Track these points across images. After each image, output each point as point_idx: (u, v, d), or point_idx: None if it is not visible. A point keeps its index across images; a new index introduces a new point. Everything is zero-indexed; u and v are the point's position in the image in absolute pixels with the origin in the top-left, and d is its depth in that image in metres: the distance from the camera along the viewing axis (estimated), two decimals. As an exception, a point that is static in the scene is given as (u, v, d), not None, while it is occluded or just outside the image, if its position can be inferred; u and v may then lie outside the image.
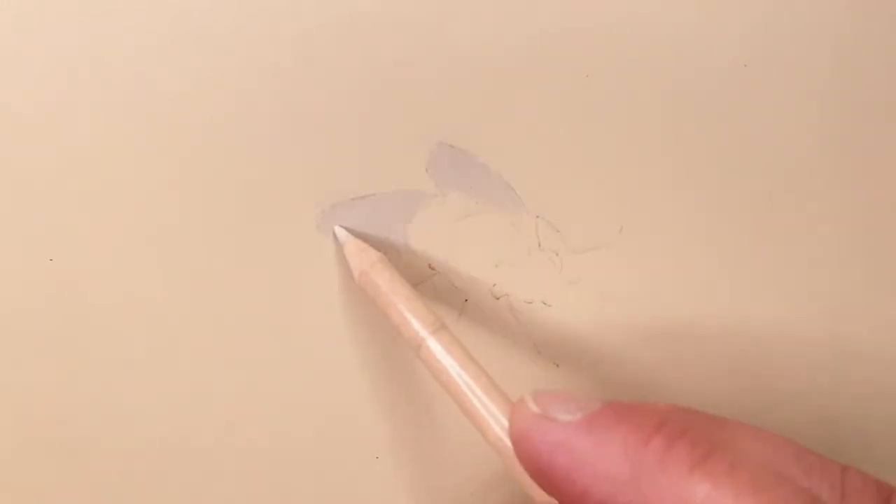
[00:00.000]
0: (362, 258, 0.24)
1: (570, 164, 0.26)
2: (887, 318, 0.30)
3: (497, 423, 0.21)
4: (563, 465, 0.18)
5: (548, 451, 0.18)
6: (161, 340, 0.25)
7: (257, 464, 0.27)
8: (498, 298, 0.27)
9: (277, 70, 0.23)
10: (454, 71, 0.24)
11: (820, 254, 0.29)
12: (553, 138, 0.26)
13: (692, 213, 0.28)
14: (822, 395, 0.31)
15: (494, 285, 0.27)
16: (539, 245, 0.27)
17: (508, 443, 0.20)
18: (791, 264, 0.29)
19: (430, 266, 0.26)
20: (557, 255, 0.27)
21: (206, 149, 0.24)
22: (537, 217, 0.27)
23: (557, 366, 0.28)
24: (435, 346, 0.22)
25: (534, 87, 0.25)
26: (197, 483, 0.27)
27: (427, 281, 0.26)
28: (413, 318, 0.23)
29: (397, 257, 0.26)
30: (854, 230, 0.29)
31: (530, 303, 0.28)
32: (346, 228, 0.25)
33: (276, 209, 0.25)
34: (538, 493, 0.19)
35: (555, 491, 0.18)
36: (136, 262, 0.24)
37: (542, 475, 0.19)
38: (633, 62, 0.26)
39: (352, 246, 0.25)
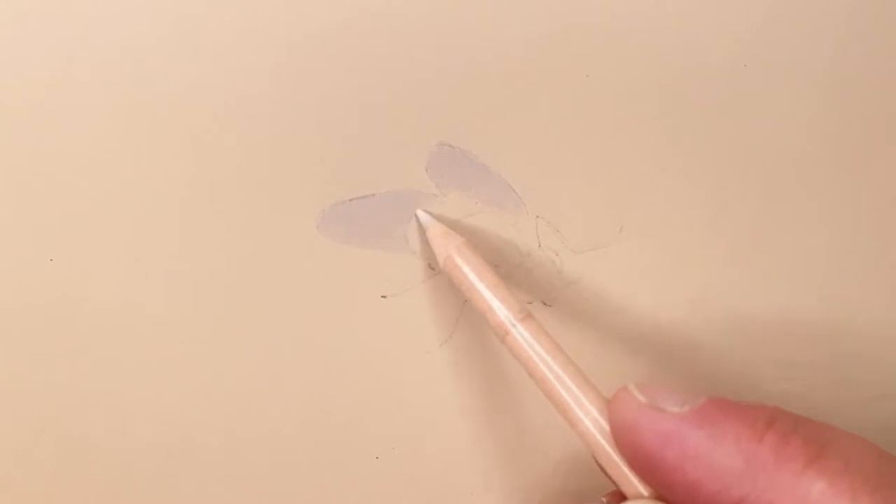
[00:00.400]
0: (447, 242, 0.24)
1: (570, 164, 0.26)
2: (887, 315, 0.30)
3: (587, 414, 0.21)
4: (675, 456, 0.18)
5: (658, 442, 0.18)
6: (161, 341, 0.25)
7: (258, 464, 0.27)
8: (498, 298, 0.27)
9: (277, 70, 0.23)
10: (454, 71, 0.24)
11: (820, 253, 0.29)
12: (553, 138, 0.26)
13: (692, 213, 0.28)
14: (822, 393, 0.31)
15: (494, 285, 0.27)
16: (539, 245, 0.27)
17: (597, 434, 0.20)
18: (790, 264, 0.29)
19: (430, 266, 0.26)
20: (557, 255, 0.27)
21: (205, 149, 0.24)
22: (537, 217, 0.27)
23: (557, 366, 0.28)
24: (523, 334, 0.22)
25: (534, 87, 0.25)
26: (197, 483, 0.27)
27: (427, 281, 0.27)
28: (499, 304, 0.23)
29: (397, 257, 0.26)
30: (854, 229, 0.29)
31: (530, 303, 0.28)
32: (429, 213, 0.25)
33: (277, 209, 0.25)
34: (628, 485, 0.19)
35: (661, 481, 0.18)
36: (136, 262, 0.24)
37: (649, 465, 0.19)
38: (633, 62, 0.26)
39: (436, 230, 0.25)
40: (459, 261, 0.24)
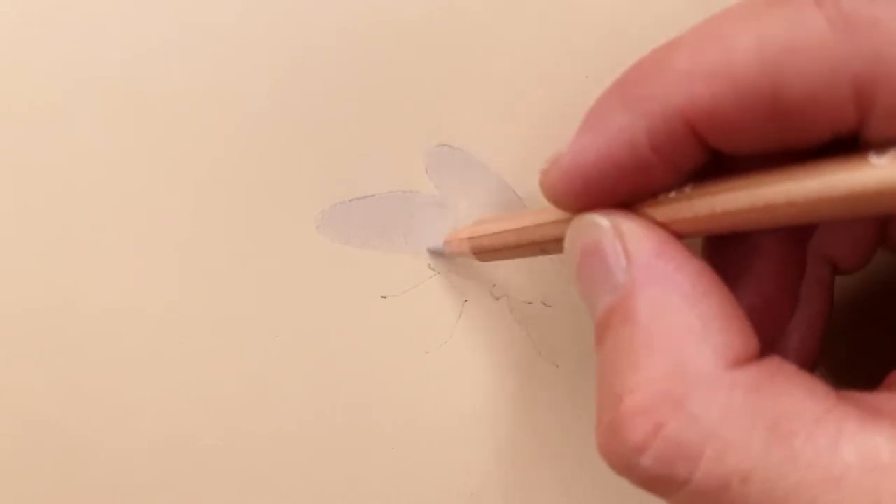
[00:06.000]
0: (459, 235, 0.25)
1: (570, 164, 0.26)
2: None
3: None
4: None
5: None
6: (161, 341, 0.25)
7: (256, 464, 0.27)
8: (498, 299, 0.27)
9: (277, 71, 0.23)
10: (453, 71, 0.25)
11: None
12: (553, 138, 0.26)
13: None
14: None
15: (494, 286, 0.27)
16: (539, 245, 0.27)
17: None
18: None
19: (429, 266, 0.26)
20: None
21: (205, 149, 0.24)
22: (537, 217, 0.27)
23: (557, 366, 0.28)
24: None
25: (533, 87, 0.25)
26: (196, 483, 0.27)
27: (427, 281, 0.26)
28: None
29: (397, 257, 0.26)
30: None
31: (530, 303, 0.28)
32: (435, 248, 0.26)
33: (276, 209, 0.25)
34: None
35: None
36: (135, 262, 0.24)
37: None
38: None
39: (450, 243, 0.25)
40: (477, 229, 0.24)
